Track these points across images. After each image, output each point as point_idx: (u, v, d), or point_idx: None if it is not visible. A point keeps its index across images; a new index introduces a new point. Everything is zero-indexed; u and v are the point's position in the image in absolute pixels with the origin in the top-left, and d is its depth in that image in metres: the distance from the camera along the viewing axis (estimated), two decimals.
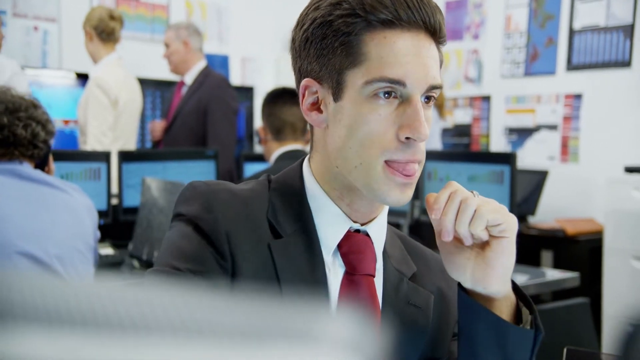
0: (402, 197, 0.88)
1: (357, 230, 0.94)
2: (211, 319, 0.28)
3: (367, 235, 0.94)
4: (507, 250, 0.86)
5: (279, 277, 0.88)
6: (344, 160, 0.89)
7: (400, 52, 0.85)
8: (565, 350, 1.05)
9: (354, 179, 0.89)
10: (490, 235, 0.86)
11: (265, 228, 0.90)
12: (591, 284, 3.55)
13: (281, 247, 0.90)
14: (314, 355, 0.27)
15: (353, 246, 0.93)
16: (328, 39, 0.87)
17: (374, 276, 0.94)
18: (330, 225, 0.92)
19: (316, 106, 0.92)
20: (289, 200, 0.93)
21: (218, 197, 0.90)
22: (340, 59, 0.87)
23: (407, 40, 0.85)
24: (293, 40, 0.93)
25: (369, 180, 0.87)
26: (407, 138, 0.85)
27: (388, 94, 0.85)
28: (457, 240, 0.88)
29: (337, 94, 0.88)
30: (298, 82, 0.94)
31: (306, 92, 0.92)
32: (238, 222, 0.89)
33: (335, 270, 0.92)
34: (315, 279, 0.90)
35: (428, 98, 0.88)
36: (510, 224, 0.85)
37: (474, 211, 0.84)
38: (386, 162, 0.86)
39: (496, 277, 0.86)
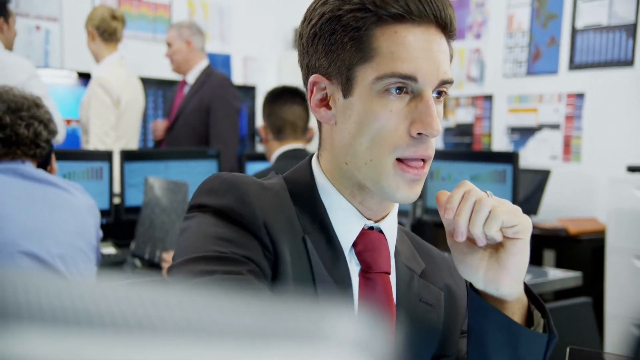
0: (411, 194, 0.87)
1: (371, 228, 0.93)
2: (217, 318, 0.27)
3: (381, 232, 0.93)
4: (521, 252, 0.85)
5: (313, 272, 0.87)
6: (354, 156, 0.87)
7: (411, 47, 0.83)
8: (568, 349, 1.04)
9: (363, 176, 0.88)
10: (504, 237, 0.84)
11: (297, 222, 0.89)
12: (594, 283, 3.55)
13: (312, 242, 0.88)
14: (323, 356, 0.27)
15: (368, 244, 0.92)
16: (337, 34, 0.86)
17: (389, 273, 0.93)
18: (346, 222, 0.91)
19: (325, 102, 0.90)
20: (303, 198, 0.92)
21: (250, 189, 0.87)
22: (350, 55, 0.85)
23: (418, 34, 0.84)
24: (300, 36, 0.92)
25: (378, 177, 0.86)
26: (419, 134, 0.84)
27: (399, 89, 0.84)
28: (470, 240, 0.87)
29: (346, 90, 0.87)
30: (305, 78, 0.92)
31: (314, 89, 0.90)
32: (273, 214, 0.86)
33: (352, 268, 0.91)
34: (342, 276, 0.89)
35: (439, 93, 0.87)
36: (524, 226, 0.84)
37: (488, 212, 0.83)
38: (397, 159, 0.85)
39: (509, 278, 0.85)
